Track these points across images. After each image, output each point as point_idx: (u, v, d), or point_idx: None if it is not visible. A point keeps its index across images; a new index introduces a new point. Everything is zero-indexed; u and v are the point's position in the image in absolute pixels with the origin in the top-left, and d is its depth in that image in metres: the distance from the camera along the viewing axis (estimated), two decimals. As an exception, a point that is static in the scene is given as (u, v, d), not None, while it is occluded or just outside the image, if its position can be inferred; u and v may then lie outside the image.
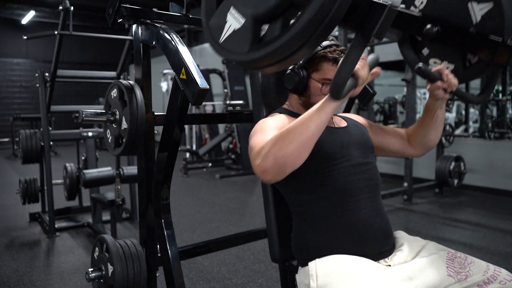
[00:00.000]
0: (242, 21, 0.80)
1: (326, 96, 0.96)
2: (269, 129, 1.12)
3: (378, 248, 1.14)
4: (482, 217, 3.80)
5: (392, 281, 1.01)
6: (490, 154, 4.84)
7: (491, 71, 1.21)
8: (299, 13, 0.71)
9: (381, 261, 1.14)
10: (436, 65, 1.19)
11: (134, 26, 1.53)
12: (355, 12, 0.78)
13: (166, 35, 1.40)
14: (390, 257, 1.16)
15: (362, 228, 1.13)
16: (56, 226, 3.39)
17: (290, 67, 1.24)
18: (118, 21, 1.52)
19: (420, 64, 1.07)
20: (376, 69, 0.99)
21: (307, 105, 1.23)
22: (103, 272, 1.46)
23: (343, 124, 1.28)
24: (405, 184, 4.38)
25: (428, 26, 1.15)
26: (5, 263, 2.75)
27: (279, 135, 0.99)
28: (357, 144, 1.22)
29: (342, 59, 0.85)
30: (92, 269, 1.49)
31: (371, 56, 0.98)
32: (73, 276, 2.54)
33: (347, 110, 1.75)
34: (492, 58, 1.14)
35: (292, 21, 0.75)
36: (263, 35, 0.80)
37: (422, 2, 1.26)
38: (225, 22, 0.83)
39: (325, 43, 1.21)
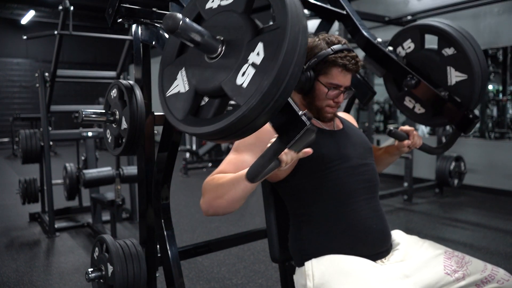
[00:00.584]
0: (187, 88, 0.82)
1: (243, 173, 0.96)
2: (231, 159, 1.16)
3: (375, 249, 1.15)
4: (482, 217, 3.80)
5: (389, 279, 1.01)
6: (490, 154, 4.84)
7: (454, 132, 1.42)
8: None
9: (378, 261, 1.14)
10: (410, 104, 1.50)
11: (134, 26, 1.53)
12: (283, 121, 0.82)
13: (166, 35, 1.40)
14: (387, 257, 1.17)
15: (360, 230, 1.13)
16: (56, 226, 3.39)
17: None
18: (118, 21, 1.52)
19: (391, 127, 1.30)
20: (308, 150, 0.94)
21: (310, 107, 1.23)
22: (103, 272, 1.46)
23: (340, 126, 1.29)
24: (405, 184, 4.38)
25: (408, 78, 1.41)
26: (5, 263, 2.75)
27: (215, 186, 1.06)
28: (354, 146, 1.22)
29: (262, 153, 0.86)
30: (92, 269, 1.49)
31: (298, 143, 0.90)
32: (73, 276, 2.54)
33: (347, 110, 1.75)
34: (456, 123, 1.37)
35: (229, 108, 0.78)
36: (202, 105, 0.83)
37: (409, 47, 1.47)
38: (175, 79, 0.85)
39: (336, 47, 1.18)
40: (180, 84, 0.84)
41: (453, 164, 4.37)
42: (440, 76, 1.39)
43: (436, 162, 4.52)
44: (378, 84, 6.51)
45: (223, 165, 1.15)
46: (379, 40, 1.51)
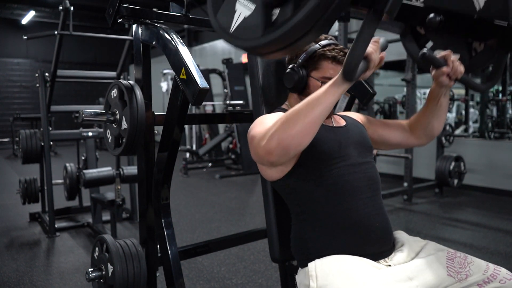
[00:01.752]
0: (253, 7, 0.79)
1: (336, 77, 0.94)
2: (269, 121, 1.12)
3: (378, 247, 1.14)
4: (482, 217, 3.80)
5: (392, 281, 1.01)
6: (490, 154, 4.84)
7: (496, 57, 1.16)
8: None
9: (381, 261, 1.14)
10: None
11: (134, 26, 1.53)
12: None
13: (166, 35, 1.40)
14: (390, 257, 1.16)
15: (363, 228, 1.12)
16: (56, 226, 3.39)
17: (290, 66, 1.24)
18: (118, 21, 1.52)
19: (425, 50, 1.03)
20: (383, 54, 0.98)
21: None
22: (103, 272, 1.46)
23: (342, 123, 1.28)
24: (405, 184, 4.38)
25: (431, 15, 1.09)
26: (5, 263, 2.75)
27: (285, 117, 0.98)
28: (355, 144, 1.22)
29: (355, 37, 0.83)
30: (92, 269, 1.49)
31: (381, 40, 0.97)
32: (73, 276, 2.54)
33: (347, 110, 1.75)
34: (499, 43, 1.10)
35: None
36: (274, 20, 0.78)
37: None
38: (234, 12, 0.82)
39: (324, 42, 1.21)
40: (243, 10, 0.81)
41: (453, 164, 4.37)
42: (465, 7, 1.14)
43: (435, 162, 4.52)
44: (378, 84, 6.52)
45: (268, 125, 1.06)
46: None
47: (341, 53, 1.20)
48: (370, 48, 0.92)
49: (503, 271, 1.11)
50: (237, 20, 0.82)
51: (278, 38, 0.75)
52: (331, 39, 1.23)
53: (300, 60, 1.22)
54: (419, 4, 1.15)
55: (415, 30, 1.27)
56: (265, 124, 1.10)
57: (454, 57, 1.09)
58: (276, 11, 0.78)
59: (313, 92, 1.21)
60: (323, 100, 0.96)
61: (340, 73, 0.91)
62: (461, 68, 1.10)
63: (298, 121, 0.96)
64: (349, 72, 0.85)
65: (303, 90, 1.24)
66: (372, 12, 0.79)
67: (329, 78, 1.18)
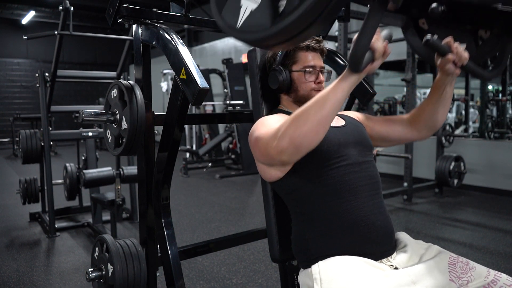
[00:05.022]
0: (259, 0, 0.79)
1: (344, 72, 0.95)
2: (272, 122, 1.14)
3: (380, 247, 1.13)
4: (482, 217, 3.80)
5: (396, 285, 1.01)
6: (490, 154, 4.84)
7: (501, 45, 1.12)
8: None
9: (384, 260, 1.13)
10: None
11: (134, 26, 1.53)
12: None
13: (166, 35, 1.40)
14: (392, 256, 1.16)
15: (364, 227, 1.12)
16: (56, 226, 3.39)
17: (271, 69, 1.29)
18: (118, 21, 1.52)
19: (429, 36, 1.00)
20: (387, 45, 0.97)
21: (299, 100, 1.27)
22: (103, 272, 1.46)
23: (341, 122, 1.28)
24: (405, 184, 4.38)
25: (433, 5, 1.05)
26: (5, 263, 2.76)
27: (295, 115, 0.99)
28: (355, 143, 1.22)
29: (360, 28, 0.83)
30: (92, 269, 1.49)
31: (384, 32, 0.96)
32: (73, 276, 2.54)
33: (347, 109, 1.75)
34: (503, 30, 1.08)
35: None
36: (282, 11, 0.77)
37: None
38: (240, 7, 0.82)
39: None
40: (250, 4, 0.81)
41: (453, 164, 4.37)
42: None
43: (435, 162, 4.52)
44: (378, 84, 6.52)
45: (272, 125, 1.07)
46: None
47: (314, 40, 1.25)
48: (373, 38, 0.91)
49: (504, 276, 1.11)
50: (243, 15, 0.82)
51: (287, 27, 0.74)
52: None
53: (278, 59, 1.27)
54: None
55: (417, 24, 1.23)
56: (268, 125, 1.11)
57: (457, 43, 1.06)
58: (283, 2, 0.77)
59: (299, 84, 1.26)
60: (332, 96, 0.96)
61: (347, 67, 0.91)
62: (465, 54, 1.07)
63: (308, 120, 0.96)
64: (355, 63, 0.85)
65: (289, 88, 1.28)
66: (376, 0, 0.78)
67: (310, 66, 1.24)
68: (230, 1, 0.85)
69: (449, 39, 1.06)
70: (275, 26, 0.76)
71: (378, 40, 0.92)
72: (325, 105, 0.96)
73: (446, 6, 1.05)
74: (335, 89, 0.96)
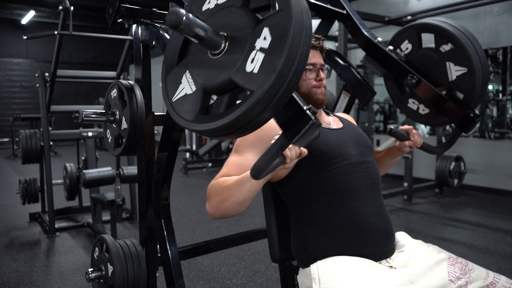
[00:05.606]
0: (194, 88, 0.83)
1: (247, 173, 0.97)
2: (229, 165, 1.17)
3: (380, 248, 1.14)
4: (482, 217, 3.80)
5: (394, 285, 1.01)
6: (490, 154, 4.84)
7: (454, 131, 1.42)
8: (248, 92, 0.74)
9: (383, 261, 1.13)
10: (414, 106, 1.51)
11: (134, 26, 1.53)
12: (288, 117, 0.82)
13: (166, 35, 1.40)
14: (392, 257, 1.16)
15: (364, 228, 1.12)
16: (56, 226, 3.39)
17: None
18: (118, 21, 1.52)
19: (392, 127, 1.29)
20: (303, 149, 0.97)
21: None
22: (103, 272, 1.46)
23: (340, 125, 1.29)
24: (405, 184, 4.38)
25: (409, 77, 1.40)
26: (5, 263, 2.75)
27: (221, 189, 1.07)
28: (354, 144, 1.22)
29: (265, 150, 0.87)
30: (92, 269, 1.49)
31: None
32: (73, 276, 2.54)
33: (347, 110, 1.75)
34: (458, 123, 1.36)
35: (238, 102, 0.78)
36: (211, 104, 0.84)
37: (407, 48, 1.48)
38: (180, 83, 0.86)
39: None
40: (186, 86, 0.84)
41: (453, 164, 4.37)
42: (440, 74, 1.39)
43: (436, 162, 4.52)
44: (378, 84, 6.52)
45: (225, 168, 1.17)
46: (379, 39, 1.51)
47: (313, 38, 1.23)
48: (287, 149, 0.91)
49: (503, 278, 1.11)
50: (180, 92, 0.86)
51: (204, 131, 0.80)
52: None
53: None
54: (402, 62, 1.44)
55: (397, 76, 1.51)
56: (227, 165, 1.17)
57: (415, 131, 1.33)
58: (215, 97, 0.83)
59: (299, 82, 1.24)
60: (236, 191, 1.03)
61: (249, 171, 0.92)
62: (420, 140, 1.34)
63: (229, 198, 1.05)
64: (256, 175, 0.89)
65: None
66: (283, 135, 0.83)
67: (311, 64, 1.24)
68: (176, 71, 0.88)
69: (410, 127, 1.32)
70: (196, 125, 0.82)
71: (291, 150, 0.92)
72: (239, 193, 1.03)
73: (418, 80, 1.39)
74: (239, 185, 1.03)
